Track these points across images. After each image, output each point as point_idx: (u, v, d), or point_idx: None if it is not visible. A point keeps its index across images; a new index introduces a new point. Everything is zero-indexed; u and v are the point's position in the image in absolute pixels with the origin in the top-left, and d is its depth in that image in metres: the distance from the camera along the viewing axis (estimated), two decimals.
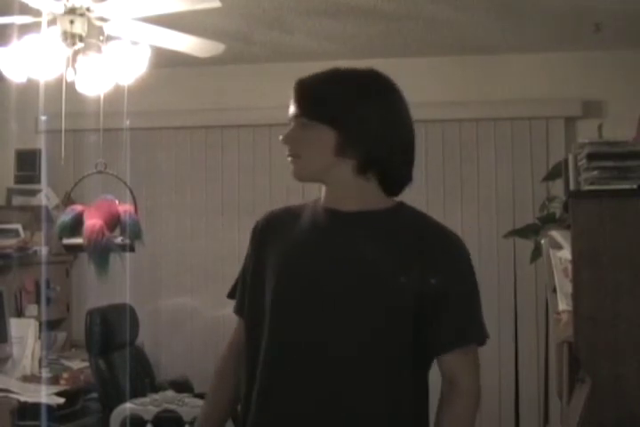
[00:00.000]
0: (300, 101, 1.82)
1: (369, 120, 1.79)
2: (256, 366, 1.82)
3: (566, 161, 2.91)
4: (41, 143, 4.99)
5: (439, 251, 1.81)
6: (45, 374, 4.26)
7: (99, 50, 3.37)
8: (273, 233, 1.90)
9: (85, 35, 3.30)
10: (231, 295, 2.01)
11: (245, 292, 1.93)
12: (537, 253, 4.04)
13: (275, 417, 1.79)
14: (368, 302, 1.76)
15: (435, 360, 1.87)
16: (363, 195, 1.84)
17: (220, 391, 1.99)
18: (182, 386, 4.22)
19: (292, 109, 1.84)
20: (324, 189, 1.89)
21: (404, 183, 1.89)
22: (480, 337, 1.88)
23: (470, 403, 1.88)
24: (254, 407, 1.81)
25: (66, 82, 3.38)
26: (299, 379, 1.77)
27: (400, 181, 1.88)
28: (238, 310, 1.98)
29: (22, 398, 3.81)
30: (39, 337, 4.39)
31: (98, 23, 3.34)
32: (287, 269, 1.83)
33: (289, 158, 1.85)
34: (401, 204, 1.91)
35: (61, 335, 4.93)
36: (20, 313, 4.61)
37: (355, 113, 1.78)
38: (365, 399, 1.76)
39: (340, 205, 1.84)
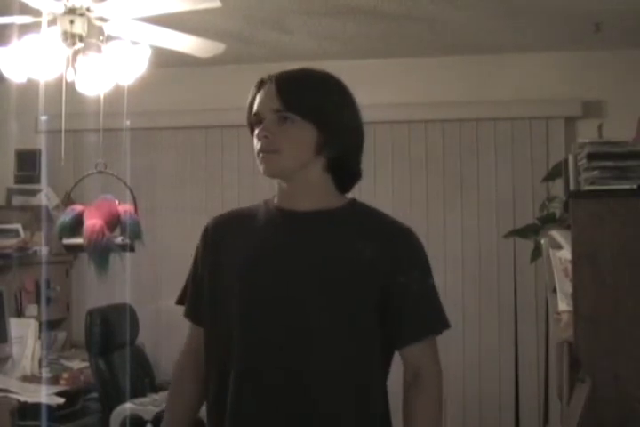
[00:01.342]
0: (285, 96, 1.80)
1: (345, 119, 1.84)
2: (227, 369, 1.79)
3: (566, 161, 2.91)
4: (41, 143, 4.99)
5: (398, 245, 1.84)
6: (45, 374, 4.26)
7: (99, 50, 3.37)
8: (226, 237, 1.89)
9: (85, 35, 3.30)
10: (181, 301, 1.98)
11: (200, 297, 1.90)
12: (537, 253, 4.04)
13: (251, 421, 1.78)
14: (336, 300, 1.77)
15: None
16: (323, 193, 1.86)
17: (181, 400, 1.97)
18: None
19: (266, 103, 1.82)
20: (279, 188, 1.89)
21: (357, 180, 1.92)
22: (442, 327, 1.89)
23: (437, 391, 1.89)
24: (230, 412, 1.78)
25: (66, 82, 3.38)
26: (274, 379, 1.76)
27: (355, 178, 1.91)
28: (192, 316, 1.95)
29: (22, 398, 3.81)
30: (39, 337, 4.39)
31: (98, 23, 3.34)
32: (251, 272, 1.82)
33: (261, 154, 1.82)
34: (354, 201, 1.92)
35: (61, 335, 4.93)
36: (20, 313, 4.61)
37: (335, 112, 1.82)
38: (338, 398, 1.77)
39: (296, 204, 1.85)
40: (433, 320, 1.88)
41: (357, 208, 1.90)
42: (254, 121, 1.85)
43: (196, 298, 1.92)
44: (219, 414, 1.80)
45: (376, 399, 1.83)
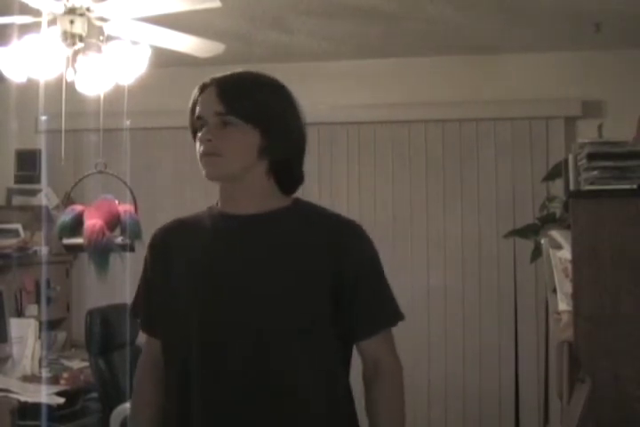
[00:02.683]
0: (227, 100, 1.80)
1: (287, 122, 1.84)
2: (187, 379, 1.78)
3: (566, 161, 2.91)
4: (41, 143, 4.99)
5: (342, 238, 1.83)
6: (45, 374, 4.26)
7: (99, 50, 3.36)
8: (173, 247, 1.89)
9: (85, 35, 3.30)
10: (136, 314, 1.98)
11: (152, 310, 1.91)
12: (537, 253, 4.04)
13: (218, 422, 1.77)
14: (285, 298, 1.77)
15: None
16: (266, 196, 1.86)
17: (144, 414, 1.95)
18: None
19: (209, 107, 1.82)
20: (222, 192, 1.90)
21: (301, 182, 1.91)
22: (395, 318, 1.88)
23: (398, 382, 1.86)
24: (200, 420, 1.77)
25: (66, 82, 3.38)
26: (238, 387, 1.75)
27: (298, 180, 1.91)
28: (148, 330, 1.95)
29: (22, 398, 3.81)
30: (39, 337, 4.39)
31: (98, 23, 3.34)
32: (200, 279, 1.81)
33: (204, 157, 1.84)
34: (297, 200, 1.92)
35: (61, 335, 4.93)
36: (20, 313, 4.61)
37: (277, 115, 1.82)
38: (304, 399, 1.77)
39: (239, 208, 1.85)
40: (385, 313, 1.87)
41: (301, 207, 1.90)
42: (197, 124, 1.85)
43: (148, 311, 1.93)
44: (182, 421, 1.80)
45: (338, 400, 1.83)
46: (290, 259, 1.80)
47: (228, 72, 1.86)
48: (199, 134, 1.84)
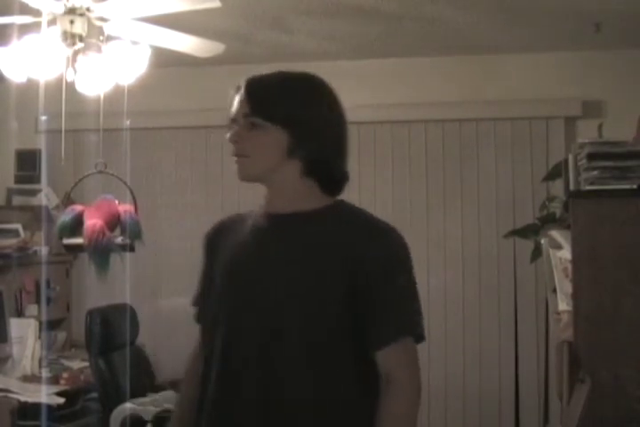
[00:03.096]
0: (253, 101, 1.82)
1: (318, 122, 1.82)
2: (210, 368, 1.84)
3: (566, 161, 2.91)
4: (41, 143, 4.99)
5: (364, 242, 1.79)
6: (45, 374, 4.26)
7: (99, 50, 3.36)
8: (221, 241, 1.94)
9: (85, 35, 3.30)
10: (194, 304, 2.05)
11: (204, 303, 1.98)
12: (537, 253, 4.04)
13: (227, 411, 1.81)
14: (303, 300, 1.77)
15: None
16: (300, 196, 1.85)
17: (182, 405, 2.00)
18: None
19: (239, 108, 1.84)
20: (265, 191, 1.91)
21: (344, 182, 1.89)
22: (413, 330, 1.79)
23: (407, 400, 1.76)
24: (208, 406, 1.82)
25: (66, 82, 3.37)
26: (251, 380, 1.78)
27: (341, 180, 1.89)
28: (197, 319, 2.02)
29: (22, 398, 3.81)
30: (39, 337, 4.39)
31: (98, 23, 3.34)
32: (230, 274, 1.87)
33: (235, 158, 1.87)
34: (338, 202, 1.89)
35: (61, 335, 4.93)
36: (20, 313, 4.61)
37: (306, 115, 1.81)
38: (294, 387, 1.76)
39: (275, 207, 1.87)
40: (398, 323, 1.78)
41: (339, 209, 1.87)
42: (231, 126, 1.87)
43: (202, 304, 2.00)
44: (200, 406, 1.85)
45: (345, 390, 1.78)
46: (311, 259, 1.79)
47: (261, 73, 1.88)
48: (228, 135, 1.86)
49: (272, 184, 1.87)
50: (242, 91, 1.85)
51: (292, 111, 1.81)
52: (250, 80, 1.86)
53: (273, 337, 1.77)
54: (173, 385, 4.17)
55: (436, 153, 4.86)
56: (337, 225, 1.83)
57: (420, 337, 1.80)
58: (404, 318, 1.79)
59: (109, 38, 3.38)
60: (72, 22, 3.24)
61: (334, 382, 1.77)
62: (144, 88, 3.65)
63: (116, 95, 3.55)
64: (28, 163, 5.14)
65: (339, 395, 1.77)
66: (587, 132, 4.12)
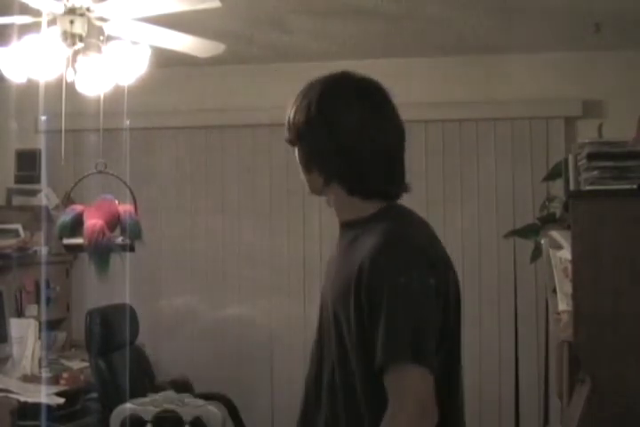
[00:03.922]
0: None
1: (313, 136, 1.81)
2: None
3: (566, 161, 2.91)
4: (41, 143, 4.99)
5: (366, 260, 1.70)
6: (45, 374, 4.26)
7: (99, 50, 3.36)
8: None
9: (85, 35, 3.29)
10: None
11: None
12: (537, 253, 4.04)
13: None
14: (332, 314, 1.78)
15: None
16: (344, 206, 1.85)
17: None
18: (182, 386, 4.22)
19: None
20: None
21: (372, 190, 1.86)
22: (402, 356, 1.63)
23: None
24: None
25: (66, 82, 3.37)
26: (309, 385, 1.85)
27: (370, 188, 1.85)
28: None
29: (22, 398, 3.81)
30: (39, 337, 4.39)
31: (98, 23, 3.34)
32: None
33: None
34: (380, 211, 1.84)
35: (61, 335, 4.93)
36: (20, 313, 4.61)
37: (304, 131, 1.81)
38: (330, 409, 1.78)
39: (338, 217, 1.89)
40: (385, 350, 1.64)
41: (375, 219, 1.81)
42: None
43: None
44: None
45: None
46: (338, 274, 1.79)
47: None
48: None
49: (326, 197, 1.88)
50: None
51: (294, 130, 1.83)
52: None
53: (318, 347, 1.84)
54: (173, 385, 4.18)
55: (436, 153, 4.86)
56: (364, 237, 1.77)
57: (417, 359, 1.63)
58: (390, 348, 1.64)
59: (109, 38, 3.38)
60: (72, 22, 3.24)
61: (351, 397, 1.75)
62: (144, 88, 3.65)
63: (115, 95, 3.55)
64: (27, 163, 5.14)
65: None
66: (587, 132, 4.12)
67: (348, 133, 1.80)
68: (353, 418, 1.72)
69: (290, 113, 1.84)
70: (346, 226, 1.86)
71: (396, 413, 1.61)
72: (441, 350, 1.70)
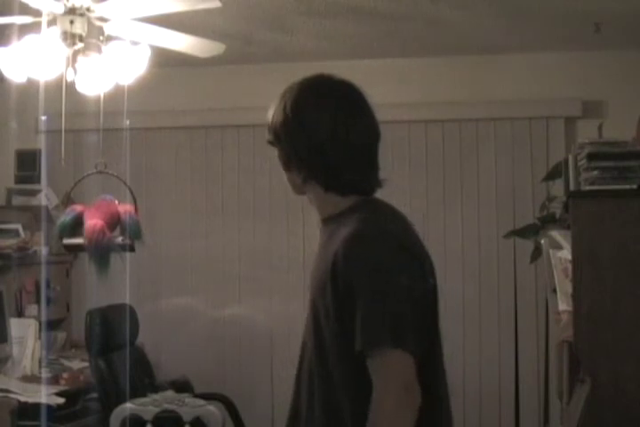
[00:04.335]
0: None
1: (289, 133, 1.88)
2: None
3: (566, 161, 2.91)
4: (41, 143, 4.98)
5: (341, 252, 1.76)
6: (45, 374, 4.26)
7: (99, 50, 3.36)
8: None
9: (85, 35, 3.29)
10: None
11: None
12: (537, 253, 4.04)
13: None
14: (312, 306, 1.85)
15: None
16: (322, 203, 1.92)
17: None
18: (182, 386, 4.22)
19: None
20: None
21: (347, 186, 1.89)
22: (383, 341, 1.69)
23: (382, 412, 1.68)
24: None
25: (66, 82, 3.37)
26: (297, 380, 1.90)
27: (345, 185, 1.88)
28: None
29: (22, 398, 3.81)
30: (39, 337, 4.39)
31: (98, 23, 3.34)
32: None
33: None
34: (356, 204, 1.88)
35: (61, 335, 4.93)
36: (20, 313, 4.61)
37: (280, 129, 1.90)
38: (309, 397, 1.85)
39: (319, 213, 1.96)
40: (365, 334, 1.70)
41: (351, 211, 1.86)
42: None
43: None
44: None
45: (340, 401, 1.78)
46: (316, 268, 1.87)
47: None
48: None
49: (308, 195, 1.95)
50: None
51: (273, 128, 1.91)
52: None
53: (302, 349, 1.91)
54: (173, 385, 4.18)
55: (436, 153, 4.86)
56: (342, 227, 1.82)
57: (397, 343, 1.69)
58: (369, 332, 1.70)
59: (109, 38, 3.38)
60: (72, 22, 3.23)
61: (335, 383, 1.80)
62: (144, 88, 3.65)
63: (115, 95, 3.55)
64: (28, 163, 5.14)
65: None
66: (587, 132, 4.12)
67: (321, 133, 1.86)
68: (330, 404, 1.78)
69: (269, 115, 1.93)
70: (325, 222, 1.93)
71: (382, 396, 1.68)
72: (421, 336, 1.77)
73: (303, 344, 1.90)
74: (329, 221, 1.90)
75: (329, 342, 1.78)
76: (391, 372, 1.69)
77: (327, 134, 1.85)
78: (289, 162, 1.91)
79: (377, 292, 1.72)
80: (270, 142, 1.94)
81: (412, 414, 1.68)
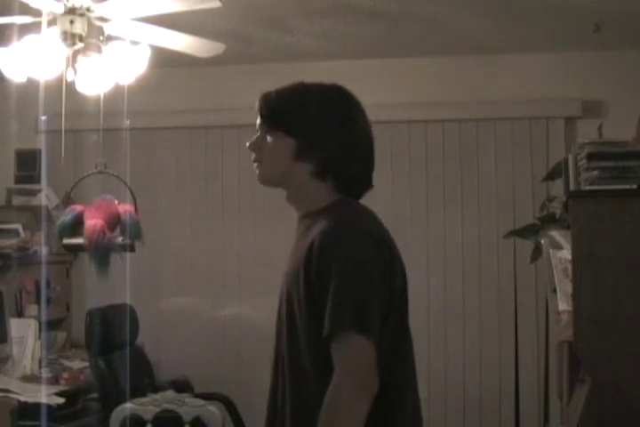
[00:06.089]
0: (263, 111, 1.97)
1: (324, 129, 1.93)
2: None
3: (566, 161, 2.91)
4: (41, 143, 4.98)
5: (314, 245, 1.83)
6: (45, 374, 4.26)
7: (99, 50, 3.36)
8: None
9: (85, 35, 3.30)
10: None
11: None
12: (537, 253, 4.04)
13: None
14: (286, 298, 1.91)
15: None
16: (311, 197, 1.96)
17: None
18: (182, 386, 4.22)
19: (257, 119, 2.00)
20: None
21: (362, 187, 2.02)
22: (336, 329, 1.77)
23: (338, 397, 1.74)
24: None
25: (66, 82, 3.37)
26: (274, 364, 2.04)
27: (356, 184, 2.00)
28: None
29: (22, 398, 3.81)
30: (39, 337, 4.39)
31: (98, 23, 3.34)
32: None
33: (254, 164, 2.01)
34: (335, 202, 1.95)
35: (61, 335, 4.93)
36: (20, 313, 4.61)
37: (310, 122, 1.93)
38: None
39: (297, 208, 2.00)
40: (330, 321, 1.77)
41: (328, 209, 1.93)
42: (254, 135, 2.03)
43: None
44: None
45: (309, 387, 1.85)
46: (292, 261, 1.92)
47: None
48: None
49: (288, 187, 1.99)
50: (257, 102, 1.99)
51: (295, 119, 1.93)
52: (263, 93, 2.00)
53: (277, 338, 2.01)
54: (173, 385, 4.18)
55: (436, 153, 4.86)
56: (318, 223, 1.89)
57: (361, 329, 1.76)
58: (333, 318, 1.77)
59: (109, 38, 3.38)
60: (72, 22, 3.24)
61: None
62: (144, 88, 3.65)
63: (115, 95, 3.55)
64: (27, 163, 5.13)
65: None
66: (587, 132, 4.12)
67: (338, 125, 1.95)
68: (300, 391, 1.88)
69: (276, 104, 1.96)
70: (302, 218, 1.98)
71: (342, 379, 1.75)
72: (388, 324, 1.84)
73: (278, 333, 1.99)
74: (307, 216, 1.95)
75: (301, 330, 1.85)
76: (354, 356, 1.76)
77: (342, 132, 1.94)
78: (303, 153, 1.92)
79: (347, 281, 1.79)
80: (281, 129, 1.94)
81: (367, 400, 1.73)
